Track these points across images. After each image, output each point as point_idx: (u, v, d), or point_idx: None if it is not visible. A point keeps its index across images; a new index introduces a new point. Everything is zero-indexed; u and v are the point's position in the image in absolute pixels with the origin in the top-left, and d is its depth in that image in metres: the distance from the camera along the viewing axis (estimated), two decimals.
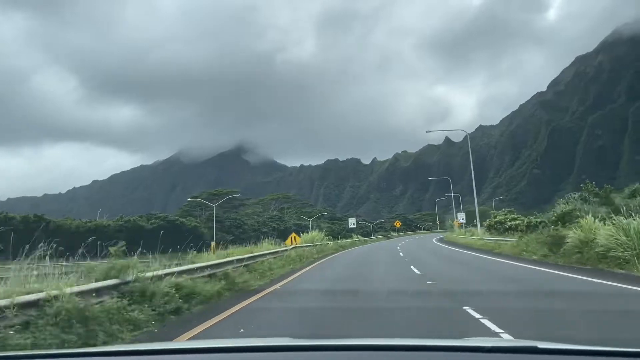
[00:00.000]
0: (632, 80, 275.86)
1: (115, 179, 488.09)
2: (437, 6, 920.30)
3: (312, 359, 2.07)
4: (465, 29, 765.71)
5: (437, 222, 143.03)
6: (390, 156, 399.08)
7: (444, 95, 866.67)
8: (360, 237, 64.75)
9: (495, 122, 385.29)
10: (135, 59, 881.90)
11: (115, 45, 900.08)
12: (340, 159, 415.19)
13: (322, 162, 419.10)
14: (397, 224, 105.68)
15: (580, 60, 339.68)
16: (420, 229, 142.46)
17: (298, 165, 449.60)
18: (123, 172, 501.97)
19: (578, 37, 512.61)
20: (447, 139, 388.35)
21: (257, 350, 2.25)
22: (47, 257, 8.06)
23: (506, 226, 36.75)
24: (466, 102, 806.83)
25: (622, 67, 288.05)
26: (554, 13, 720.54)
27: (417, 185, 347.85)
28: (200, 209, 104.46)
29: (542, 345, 1.99)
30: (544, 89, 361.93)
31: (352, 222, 76.92)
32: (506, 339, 3.19)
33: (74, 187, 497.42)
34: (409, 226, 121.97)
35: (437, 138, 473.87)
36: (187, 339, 6.98)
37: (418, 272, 17.54)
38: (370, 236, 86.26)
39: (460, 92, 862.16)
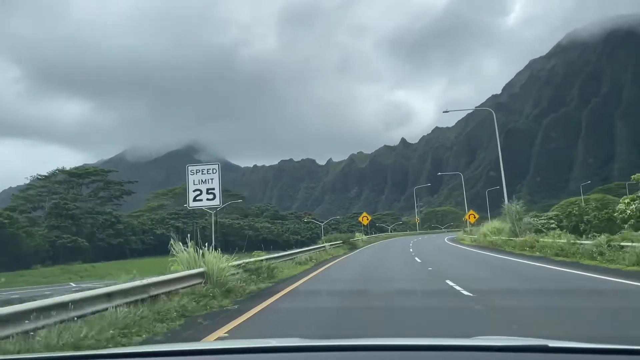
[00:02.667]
0: (584, 84, 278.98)
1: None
2: (400, 6, 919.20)
3: (321, 359, 2.03)
4: (426, 30, 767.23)
5: (417, 221, 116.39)
6: (346, 157, 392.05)
7: (402, 96, 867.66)
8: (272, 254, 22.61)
9: (452, 124, 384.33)
10: (84, 50, 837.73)
11: (62, 36, 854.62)
12: (295, 159, 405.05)
13: (277, 162, 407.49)
14: (365, 219, 54.95)
15: (534, 64, 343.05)
16: (387, 230, 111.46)
17: (251, 165, 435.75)
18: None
19: (534, 41, 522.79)
20: (403, 140, 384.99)
21: (266, 352, 2.21)
22: None
23: None
24: (425, 103, 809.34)
25: (574, 71, 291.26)
26: (514, 17, 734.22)
27: (373, 187, 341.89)
28: (51, 195, 71.47)
29: (552, 343, 1.94)
30: (499, 91, 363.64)
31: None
32: (516, 338, 2.48)
33: (10, 187, 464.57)
34: (369, 226, 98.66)
35: (393, 139, 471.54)
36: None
37: None
38: (316, 243, 42.17)
39: (419, 92, 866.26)
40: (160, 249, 61.11)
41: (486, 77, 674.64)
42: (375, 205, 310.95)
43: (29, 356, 2.40)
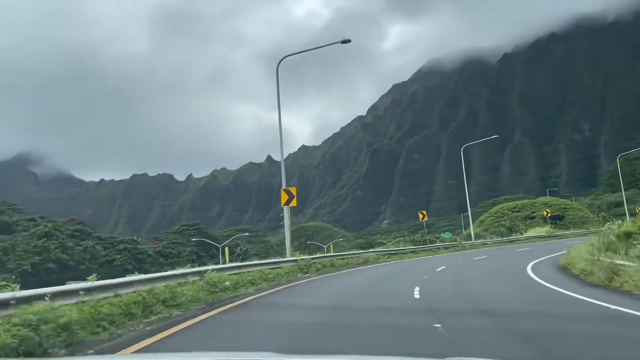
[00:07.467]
0: (443, 108, 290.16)
1: None
2: (280, 22, 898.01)
3: None
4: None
5: (290, 245, 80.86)
6: (207, 173, 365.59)
7: (271, 111, 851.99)
8: None
9: (319, 142, 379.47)
10: None
11: None
12: (150, 174, 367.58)
13: (129, 177, 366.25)
14: None
15: (397, 88, 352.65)
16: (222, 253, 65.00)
17: (98, 179, 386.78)
18: None
19: (402, 67, 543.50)
20: (269, 158, 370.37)
21: None
22: None
23: None
24: (299, 122, 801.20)
25: (434, 96, 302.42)
26: (389, 43, 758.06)
27: (236, 206, 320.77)
28: None
29: None
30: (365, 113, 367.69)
31: None
32: None
33: None
34: (206, 250, 67.10)
35: (258, 156, 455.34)
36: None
37: None
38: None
39: (291, 110, 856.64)
40: None
41: (361, 99, 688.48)
42: (238, 225, 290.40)
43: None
